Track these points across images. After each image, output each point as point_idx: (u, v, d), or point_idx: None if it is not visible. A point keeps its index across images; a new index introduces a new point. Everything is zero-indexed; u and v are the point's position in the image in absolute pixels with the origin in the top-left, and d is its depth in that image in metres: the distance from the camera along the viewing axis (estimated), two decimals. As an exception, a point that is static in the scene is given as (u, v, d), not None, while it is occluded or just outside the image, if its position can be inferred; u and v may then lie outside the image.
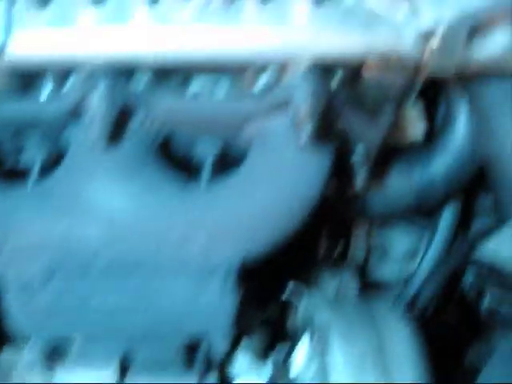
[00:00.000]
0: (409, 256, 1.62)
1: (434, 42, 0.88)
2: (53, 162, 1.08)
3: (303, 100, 0.95)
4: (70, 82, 1.01)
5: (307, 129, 0.94)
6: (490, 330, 1.38)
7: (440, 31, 0.87)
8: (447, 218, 1.50)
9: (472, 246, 1.40)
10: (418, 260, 1.53)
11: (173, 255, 0.98)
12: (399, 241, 1.60)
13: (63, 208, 0.98)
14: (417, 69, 1.02)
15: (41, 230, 0.97)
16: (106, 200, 0.97)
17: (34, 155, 1.08)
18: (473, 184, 1.40)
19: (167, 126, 1.04)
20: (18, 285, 0.99)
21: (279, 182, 1.01)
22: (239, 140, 1.07)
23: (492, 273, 1.36)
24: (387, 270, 1.62)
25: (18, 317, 1.01)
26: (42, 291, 0.99)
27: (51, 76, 1.00)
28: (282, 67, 0.98)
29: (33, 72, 0.98)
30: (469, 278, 1.42)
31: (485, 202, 1.55)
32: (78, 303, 1.00)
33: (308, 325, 1.09)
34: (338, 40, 0.93)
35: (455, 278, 1.45)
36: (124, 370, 1.03)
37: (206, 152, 1.10)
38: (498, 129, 0.98)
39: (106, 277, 1.00)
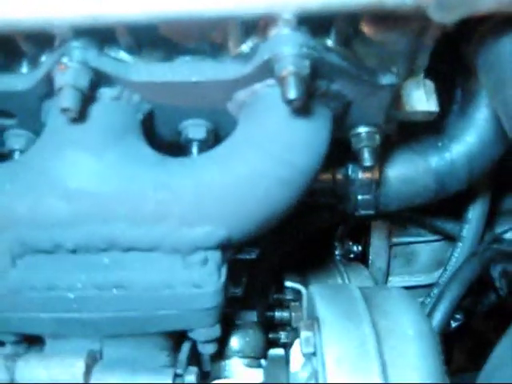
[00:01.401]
0: (434, 266, 1.47)
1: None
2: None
3: (290, 58, 0.86)
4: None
5: (296, 91, 0.83)
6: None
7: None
8: (474, 221, 1.36)
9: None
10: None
11: (146, 232, 0.87)
12: (423, 250, 1.46)
13: (30, 182, 0.89)
14: (422, 23, 0.92)
15: (5, 203, 0.88)
16: (75, 173, 0.88)
17: (13, 133, 1.01)
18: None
19: (148, 98, 0.96)
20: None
21: (266, 151, 0.89)
22: (227, 113, 0.98)
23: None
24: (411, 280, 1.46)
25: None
26: (7, 272, 0.89)
27: (25, 43, 0.95)
28: (266, 23, 0.89)
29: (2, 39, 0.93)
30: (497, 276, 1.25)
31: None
32: (47, 284, 0.88)
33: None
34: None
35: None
36: (90, 367, 0.90)
37: (193, 134, 1.01)
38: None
39: (76, 255, 0.89)
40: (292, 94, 0.83)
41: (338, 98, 0.95)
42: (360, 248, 1.41)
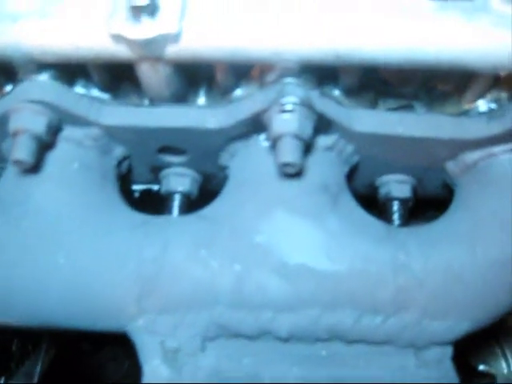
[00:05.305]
0: None
1: None
2: (204, 187, 0.84)
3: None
4: (251, 83, 0.78)
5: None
6: None
7: None
8: None
9: None
10: None
11: (383, 322, 0.71)
12: None
13: (233, 250, 0.72)
14: None
15: (202, 275, 0.71)
16: (295, 244, 0.72)
17: (180, 175, 0.84)
18: None
19: (360, 150, 0.80)
20: (166, 348, 0.72)
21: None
22: (435, 171, 0.83)
23: None
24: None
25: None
26: (198, 358, 0.72)
27: (224, 75, 0.77)
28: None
29: (203, 68, 0.75)
30: None
31: None
32: (247, 375, 0.72)
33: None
34: None
35: None
36: None
37: (396, 192, 0.86)
38: None
39: (288, 344, 0.73)
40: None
41: None
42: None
